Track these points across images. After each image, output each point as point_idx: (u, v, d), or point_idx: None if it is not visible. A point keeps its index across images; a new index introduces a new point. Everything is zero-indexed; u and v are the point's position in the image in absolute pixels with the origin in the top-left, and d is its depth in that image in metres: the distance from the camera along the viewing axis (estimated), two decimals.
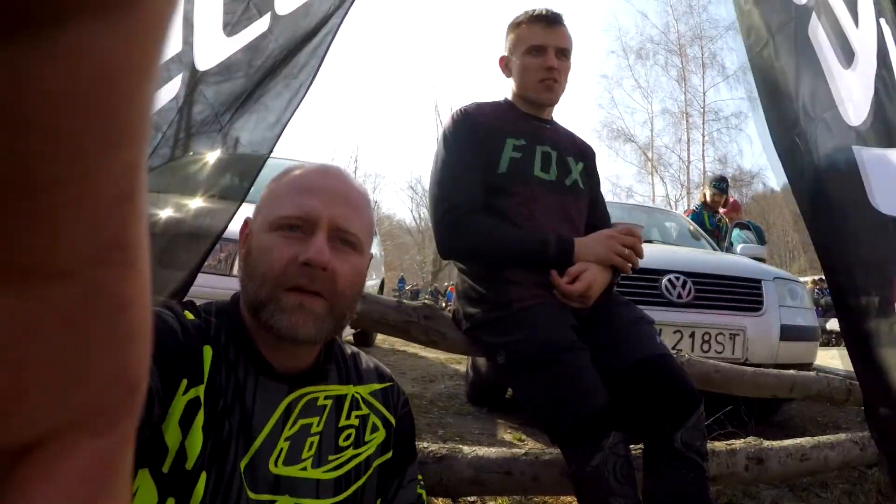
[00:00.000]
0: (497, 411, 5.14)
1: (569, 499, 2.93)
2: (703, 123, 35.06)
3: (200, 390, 1.18)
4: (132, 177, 0.24)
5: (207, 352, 1.23)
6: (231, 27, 1.96)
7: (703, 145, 35.08)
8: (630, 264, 2.27)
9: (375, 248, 8.64)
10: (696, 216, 8.47)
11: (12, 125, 0.20)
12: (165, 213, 1.95)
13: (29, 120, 0.20)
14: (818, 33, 2.24)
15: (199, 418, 1.17)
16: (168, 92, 1.89)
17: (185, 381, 1.17)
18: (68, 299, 0.23)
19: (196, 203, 1.98)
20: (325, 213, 1.25)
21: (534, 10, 2.51)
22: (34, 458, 0.24)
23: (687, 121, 35.21)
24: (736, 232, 8.72)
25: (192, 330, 1.23)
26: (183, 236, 1.95)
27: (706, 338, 4.24)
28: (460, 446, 2.29)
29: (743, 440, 2.56)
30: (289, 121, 2.00)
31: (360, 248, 1.31)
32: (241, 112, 1.99)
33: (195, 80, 1.93)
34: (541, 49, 2.44)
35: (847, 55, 2.18)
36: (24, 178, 0.20)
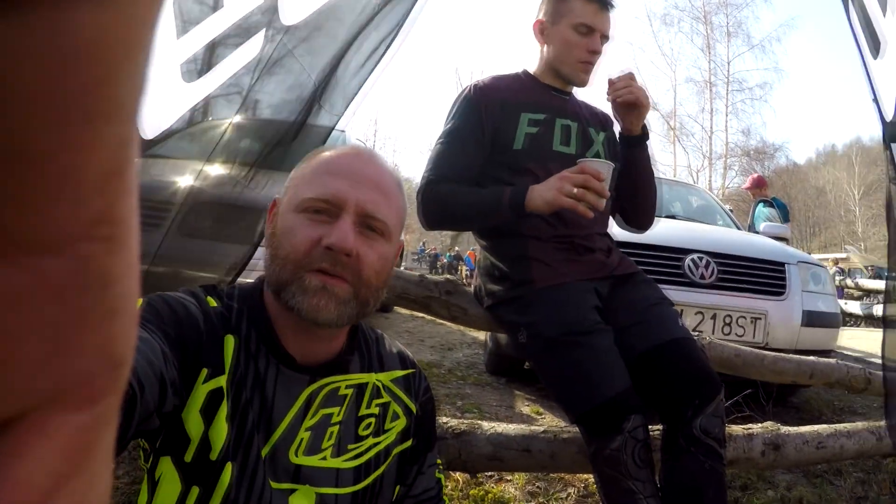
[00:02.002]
0: (515, 382, 5.17)
1: (586, 476, 2.95)
2: (727, 93, 34.73)
3: (223, 381, 1.18)
4: (121, 152, 0.24)
5: (229, 342, 1.22)
6: None
7: (727, 116, 34.77)
8: (585, 204, 2.07)
9: None
10: None
11: (2, 101, 0.20)
12: (185, 181, 1.95)
13: (15, 92, 0.20)
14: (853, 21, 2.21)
15: (224, 409, 1.17)
16: (252, 48, 1.86)
17: (205, 371, 1.16)
18: (54, 273, 0.23)
19: (216, 170, 1.98)
20: (352, 196, 1.22)
21: None
22: (12, 433, 0.24)
23: (711, 90, 34.86)
24: (760, 209, 8.63)
25: (214, 318, 1.23)
26: (203, 204, 1.96)
27: (727, 321, 4.22)
28: (480, 422, 2.31)
29: (760, 425, 2.55)
30: (310, 85, 1.98)
31: (389, 234, 1.28)
32: (261, 75, 1.96)
33: (281, 35, 1.91)
34: (590, 30, 2.38)
35: (874, 43, 2.15)
36: (11, 150, 0.20)
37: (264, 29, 1.86)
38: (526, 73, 2.58)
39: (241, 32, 1.80)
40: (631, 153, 2.49)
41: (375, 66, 2.04)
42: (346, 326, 1.31)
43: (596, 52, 2.39)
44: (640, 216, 2.63)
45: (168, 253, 1.93)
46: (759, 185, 9.48)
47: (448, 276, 2.71)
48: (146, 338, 1.03)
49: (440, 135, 2.44)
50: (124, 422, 0.88)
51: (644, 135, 2.47)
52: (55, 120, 0.21)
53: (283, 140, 2.01)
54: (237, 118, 1.98)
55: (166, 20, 1.58)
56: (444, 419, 2.28)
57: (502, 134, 2.37)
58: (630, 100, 2.35)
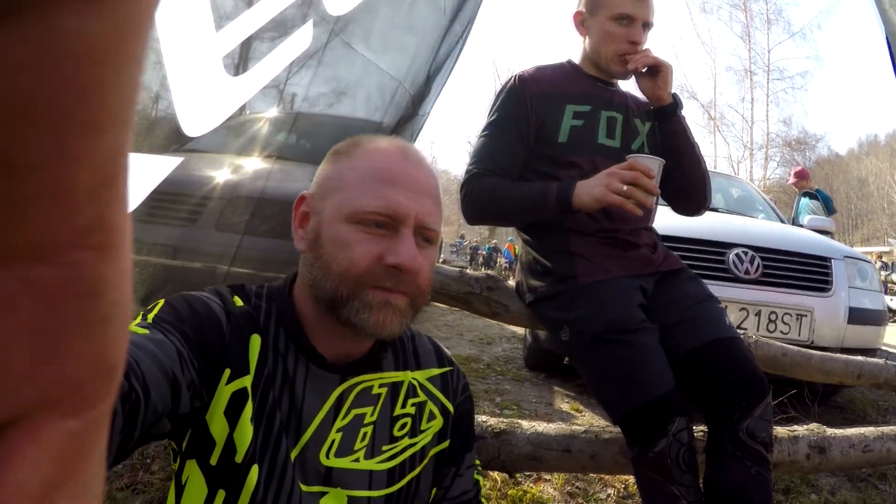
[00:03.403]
0: (554, 378, 5.13)
1: (626, 477, 2.91)
2: (768, 82, 34.33)
3: (247, 381, 1.16)
4: (114, 161, 0.24)
5: (255, 341, 1.20)
6: None
7: (767, 105, 34.36)
8: (634, 201, 2.03)
9: None
10: None
11: None
12: (222, 176, 1.93)
13: (8, 101, 0.20)
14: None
15: (248, 410, 1.15)
16: (302, 39, 1.84)
17: (227, 372, 1.14)
18: (45, 280, 0.23)
19: (254, 164, 1.96)
20: (412, 210, 1.17)
21: None
22: (4, 439, 0.24)
23: (751, 79, 34.47)
24: (804, 202, 8.51)
25: (239, 318, 1.20)
26: (240, 199, 1.94)
27: (772, 317, 4.14)
28: (519, 421, 2.28)
29: (806, 427, 2.49)
30: (350, 78, 1.98)
31: (437, 240, 1.26)
32: (297, 68, 1.93)
33: (330, 25, 1.89)
34: (629, 20, 2.31)
35: None
36: (4, 158, 0.21)
37: (311, 19, 1.84)
38: (570, 63, 2.52)
39: (285, 23, 1.79)
40: (667, 127, 2.42)
41: (455, 63, 2.03)
42: None
43: (637, 43, 2.32)
44: (690, 197, 2.53)
45: (204, 248, 1.93)
46: (802, 177, 9.35)
47: (488, 270, 2.68)
48: (159, 339, 1.01)
49: (483, 126, 2.41)
50: (128, 426, 0.87)
51: (676, 103, 2.40)
52: (46, 129, 0.21)
53: None
54: (279, 111, 1.97)
55: (202, 13, 1.55)
56: (484, 418, 2.25)
57: (546, 126, 2.32)
58: (648, 62, 2.30)
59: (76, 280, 0.24)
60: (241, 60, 1.71)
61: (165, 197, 1.77)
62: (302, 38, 1.82)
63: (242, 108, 1.88)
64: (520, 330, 6.92)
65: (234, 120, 1.88)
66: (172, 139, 1.58)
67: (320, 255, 1.19)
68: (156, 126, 1.57)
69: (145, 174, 1.55)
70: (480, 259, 35.05)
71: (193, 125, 1.61)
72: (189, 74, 1.54)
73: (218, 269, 1.99)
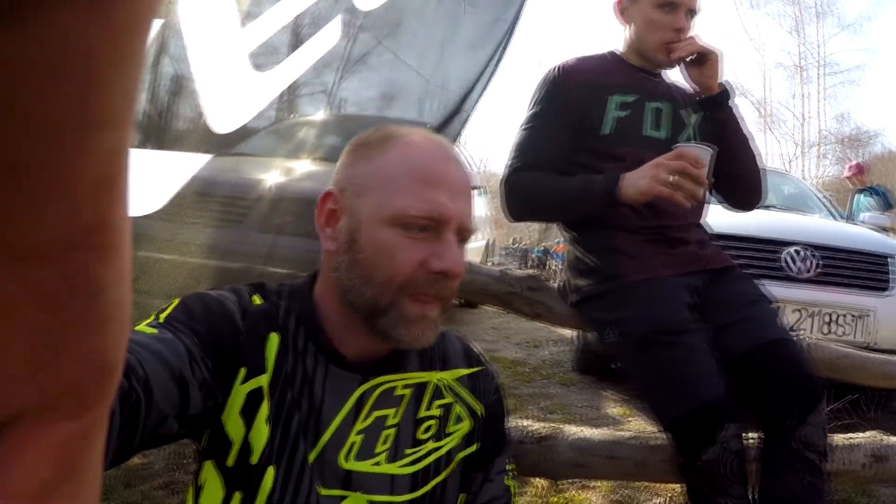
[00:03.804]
0: (603, 381, 5.03)
1: (675, 486, 2.81)
2: (819, 77, 33.72)
3: (263, 381, 1.13)
4: (114, 161, 0.24)
5: (273, 340, 1.16)
6: None
7: (820, 101, 33.77)
8: (683, 193, 1.95)
9: (483, 208, 8.54)
10: None
11: None
12: (271, 178, 1.93)
13: (8, 100, 0.20)
14: None
15: (263, 410, 1.12)
16: (330, 35, 1.82)
17: (243, 371, 1.11)
18: (45, 281, 0.24)
19: (302, 166, 1.95)
20: (455, 212, 1.14)
21: None
22: (3, 439, 0.25)
23: (801, 74, 33.89)
24: (860, 198, 8.31)
25: (256, 316, 1.17)
26: (286, 200, 1.93)
27: (829, 318, 4.00)
28: (562, 426, 2.20)
29: (864, 434, 2.38)
30: (467, 69, 1.99)
31: (469, 239, 1.22)
32: (345, 73, 1.92)
33: (358, 21, 1.88)
34: (672, 6, 2.22)
35: None
36: (4, 158, 0.21)
37: (340, 15, 1.83)
38: (613, 53, 2.44)
39: (312, 19, 1.79)
40: (717, 117, 2.32)
41: (499, 60, 2.05)
42: None
43: (681, 30, 2.23)
44: (743, 191, 2.43)
45: (243, 249, 1.92)
46: (859, 172, 9.13)
47: (531, 271, 2.60)
48: (167, 338, 1.00)
49: (524, 120, 2.33)
50: (128, 427, 0.85)
51: (725, 91, 2.30)
52: (46, 128, 0.21)
53: None
54: (326, 114, 1.98)
55: (227, 10, 1.55)
56: (526, 422, 2.18)
57: (590, 118, 2.24)
58: (694, 50, 2.21)
59: (75, 280, 0.25)
60: (267, 57, 1.69)
61: (215, 199, 1.81)
62: (330, 35, 1.80)
63: (291, 111, 1.92)
64: (568, 332, 6.81)
65: (282, 123, 1.92)
66: (200, 137, 1.57)
67: (358, 261, 1.14)
68: (183, 124, 1.58)
69: (173, 172, 1.55)
70: (531, 263, 34.91)
71: (221, 122, 1.60)
72: (215, 72, 1.54)
73: (265, 271, 1.99)
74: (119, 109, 0.23)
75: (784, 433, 1.82)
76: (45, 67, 0.20)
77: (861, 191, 8.55)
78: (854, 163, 9.37)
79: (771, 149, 34.45)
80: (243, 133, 1.68)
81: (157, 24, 1.43)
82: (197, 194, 1.69)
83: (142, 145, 1.52)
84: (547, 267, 32.06)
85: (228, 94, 1.59)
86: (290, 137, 2.00)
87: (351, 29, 1.84)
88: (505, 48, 2.05)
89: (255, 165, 1.97)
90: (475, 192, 1.25)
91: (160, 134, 1.51)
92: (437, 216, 1.12)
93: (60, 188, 0.22)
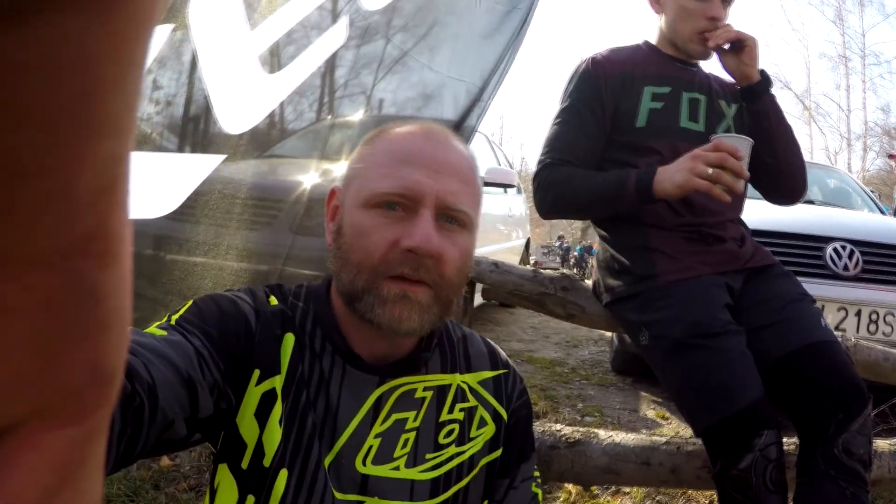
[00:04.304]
0: (642, 383, 4.98)
1: (711, 493, 2.74)
2: (864, 68, 33.16)
3: (277, 382, 1.11)
4: (114, 168, 0.24)
5: (288, 340, 1.15)
6: None
7: (865, 92, 33.20)
8: (721, 186, 1.87)
9: (522, 206, 8.48)
10: None
11: None
12: (309, 180, 1.93)
13: (6, 105, 0.20)
14: None
15: (276, 411, 1.10)
16: (336, 36, 1.82)
17: (257, 372, 1.10)
18: (44, 288, 0.24)
19: (340, 168, 1.93)
20: (430, 188, 1.08)
21: None
22: (2, 445, 0.25)
23: (846, 65, 33.35)
24: None
25: (272, 317, 1.15)
26: (320, 202, 1.91)
27: (874, 318, 3.87)
28: (595, 431, 2.16)
29: None
30: (483, 60, 1.99)
31: (470, 225, 1.15)
32: (385, 73, 1.93)
33: (365, 20, 1.87)
34: None
35: None
36: (3, 164, 0.21)
37: (346, 15, 1.83)
38: (647, 43, 2.37)
39: (319, 20, 1.79)
40: (756, 108, 2.23)
41: (514, 55, 2.06)
42: (428, 332, 1.19)
43: (716, 18, 2.15)
44: (785, 184, 2.33)
45: (277, 251, 1.92)
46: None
47: (564, 270, 2.55)
48: (176, 341, 0.98)
49: (556, 114, 2.27)
50: (131, 430, 0.84)
51: (765, 80, 2.21)
52: (46, 134, 0.21)
53: None
54: (363, 115, 1.98)
55: (236, 13, 1.56)
56: (558, 426, 2.14)
57: (624, 111, 2.19)
58: (730, 37, 2.13)
59: (75, 287, 0.25)
60: (276, 58, 1.71)
61: (250, 201, 1.79)
62: (337, 36, 1.80)
63: (330, 111, 1.93)
64: (608, 332, 6.79)
65: (320, 124, 1.94)
66: (213, 138, 1.58)
67: (340, 246, 1.14)
68: (196, 125, 1.60)
69: (186, 173, 1.55)
70: (572, 261, 34.85)
71: (233, 123, 1.60)
72: (226, 74, 1.55)
73: (298, 273, 1.99)
74: (120, 116, 0.23)
75: (824, 440, 1.74)
76: (44, 71, 0.20)
77: None
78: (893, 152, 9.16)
79: (815, 142, 34.00)
80: (254, 134, 1.67)
81: (168, 29, 1.43)
82: (230, 196, 1.70)
83: (155, 148, 1.52)
84: (589, 265, 32.05)
85: (239, 96, 1.59)
86: (326, 139, 1.99)
87: (357, 29, 1.83)
88: (521, 37, 2.04)
89: (292, 167, 1.97)
90: (476, 174, 1.20)
91: (173, 136, 1.51)
92: (408, 192, 1.08)
93: (59, 194, 0.23)
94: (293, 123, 1.85)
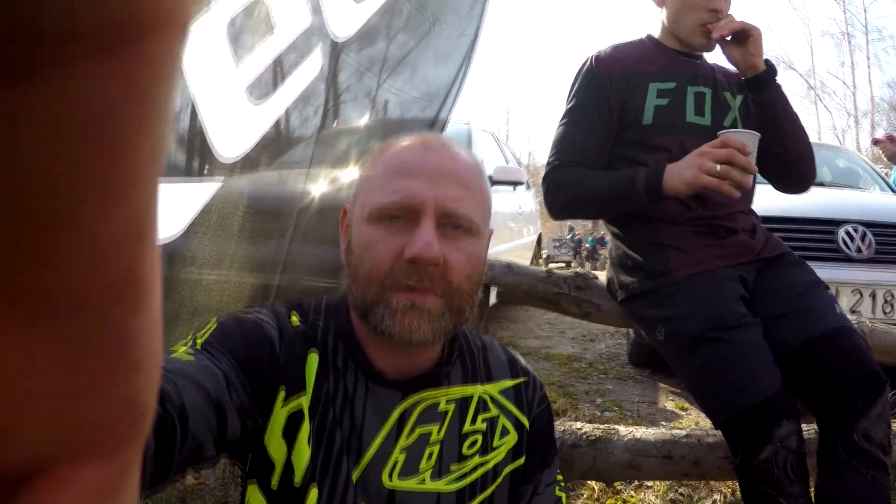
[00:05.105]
0: (659, 374, 4.97)
1: (733, 483, 2.75)
2: (867, 44, 32.91)
3: (304, 401, 1.12)
4: (142, 219, 0.24)
5: (312, 359, 1.16)
6: None
7: (869, 68, 32.95)
8: (730, 182, 1.88)
9: (532, 201, 8.48)
10: None
11: (11, 167, 0.20)
12: (317, 189, 1.95)
13: (25, 161, 0.20)
14: None
15: (305, 430, 1.11)
16: (312, 66, 1.85)
17: (283, 392, 1.11)
18: (73, 335, 0.23)
19: (349, 175, 1.98)
20: (430, 196, 1.09)
21: None
22: (34, 486, 0.24)
23: (849, 42, 33.08)
24: None
25: (295, 336, 1.17)
26: (330, 210, 1.94)
27: (889, 298, 3.85)
28: (616, 427, 2.18)
29: None
30: (439, 81, 2.02)
31: (476, 230, 1.15)
32: (388, 75, 1.97)
33: (336, 50, 1.91)
34: None
35: None
36: (27, 216, 0.20)
37: (320, 46, 1.87)
38: (650, 38, 2.37)
39: (296, 51, 1.84)
40: (763, 98, 2.22)
41: (466, 76, 2.14)
42: (442, 342, 1.21)
43: (717, 10, 2.15)
44: (794, 173, 2.33)
45: (289, 261, 1.94)
46: (892, 141, 8.84)
47: (577, 269, 2.56)
48: (205, 365, 0.99)
49: (562, 114, 2.28)
50: (165, 456, 0.85)
51: (770, 70, 2.21)
52: (69, 190, 0.21)
53: None
54: (366, 121, 2.03)
55: (222, 51, 1.62)
56: (578, 425, 2.16)
57: (630, 108, 2.19)
58: (734, 28, 2.13)
59: (105, 333, 0.24)
60: (260, 90, 1.75)
61: (258, 212, 1.82)
62: (313, 65, 1.85)
63: (336, 117, 1.99)
64: None
65: (327, 131, 1.96)
66: (211, 165, 1.65)
67: (350, 262, 1.16)
68: (195, 155, 1.64)
69: (190, 198, 1.62)
70: (585, 253, 34.71)
71: (227, 152, 1.66)
72: (217, 108, 1.62)
73: (312, 284, 2.02)
74: (143, 169, 0.23)
75: (843, 429, 1.75)
76: (61, 128, 0.20)
77: None
78: (888, 134, 9.06)
79: (822, 121, 33.77)
80: (247, 160, 1.73)
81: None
82: (237, 209, 1.73)
83: (163, 177, 1.59)
84: (602, 257, 31.88)
85: (230, 126, 1.65)
86: (334, 145, 2.01)
87: (329, 59, 1.89)
88: (471, 59, 2.12)
89: (300, 176, 1.98)
90: (481, 178, 1.22)
91: (177, 166, 1.59)
92: (408, 202, 1.09)
93: (87, 246, 0.22)
94: (280, 147, 1.89)
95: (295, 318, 1.20)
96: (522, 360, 1.43)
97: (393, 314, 1.07)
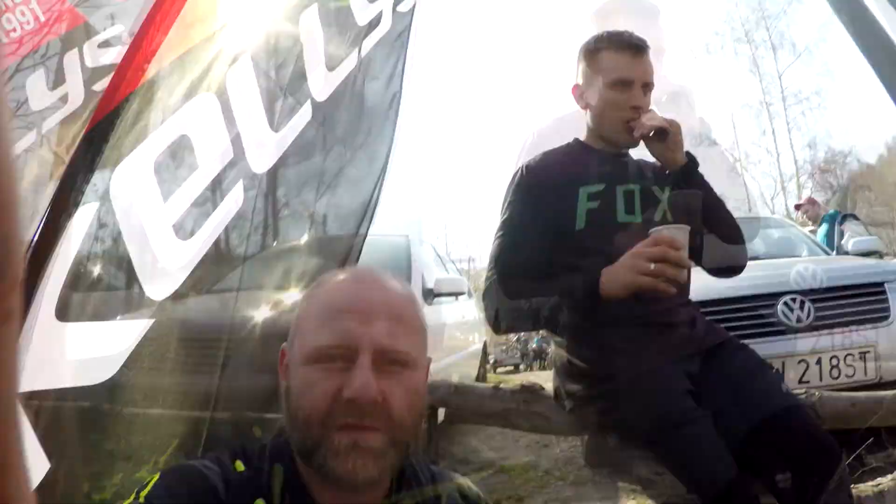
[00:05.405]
0: (617, 473, 4.85)
1: None
2: (785, 109, 34.04)
3: None
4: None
5: None
6: (276, 122, 1.93)
7: (791, 131, 34.02)
8: (665, 280, 1.89)
9: (475, 310, 8.46)
10: None
11: None
12: (260, 315, 1.91)
13: None
14: None
15: None
16: (233, 202, 1.85)
17: None
18: None
19: (291, 297, 1.93)
20: (364, 334, 1.08)
21: (618, 35, 2.27)
22: None
23: (768, 109, 34.19)
24: (824, 228, 8.25)
25: (239, 484, 1.11)
26: (274, 337, 1.86)
27: (834, 362, 3.87)
28: None
29: (890, 477, 2.34)
30: (374, 192, 2.05)
31: (413, 363, 1.14)
32: (324, 190, 2.01)
33: (256, 182, 1.91)
34: (627, 83, 2.20)
35: None
36: None
37: (241, 180, 1.88)
38: (577, 141, 2.42)
39: (219, 186, 1.85)
40: (688, 189, 2.24)
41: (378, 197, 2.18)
42: (389, 478, 1.18)
43: (639, 108, 2.20)
44: (725, 258, 2.34)
45: (220, 392, 1.88)
46: (812, 203, 9.25)
47: (524, 382, 2.52)
48: None
49: (497, 227, 2.29)
50: None
51: (691, 161, 2.25)
52: None
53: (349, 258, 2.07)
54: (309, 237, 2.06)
55: (151, 188, 1.64)
56: None
57: (562, 215, 2.20)
58: (654, 125, 2.16)
59: None
60: (186, 226, 1.76)
61: (197, 342, 1.84)
62: (235, 199, 1.86)
63: (276, 235, 2.04)
64: None
65: (268, 251, 1.98)
66: (140, 304, 1.64)
67: (289, 406, 1.13)
68: (122, 294, 1.65)
69: (118, 340, 1.59)
70: (532, 354, 34.57)
71: (157, 290, 1.65)
72: (146, 244, 1.63)
73: (261, 418, 1.93)
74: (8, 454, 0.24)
75: None
76: None
77: (824, 220, 8.52)
78: (807, 198, 9.52)
79: (751, 190, 34.68)
80: (176, 297, 1.71)
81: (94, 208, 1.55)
82: (169, 344, 1.71)
83: (89, 318, 1.58)
84: (550, 354, 31.81)
85: (160, 263, 1.66)
86: (275, 266, 2.01)
87: (250, 193, 1.90)
88: (383, 182, 2.14)
89: (229, 303, 1.95)
90: (414, 308, 1.21)
91: (106, 305, 1.60)
92: (343, 342, 1.08)
93: None
94: (207, 284, 1.86)
95: (239, 465, 1.15)
96: (473, 487, 1.38)
97: (336, 455, 1.05)
